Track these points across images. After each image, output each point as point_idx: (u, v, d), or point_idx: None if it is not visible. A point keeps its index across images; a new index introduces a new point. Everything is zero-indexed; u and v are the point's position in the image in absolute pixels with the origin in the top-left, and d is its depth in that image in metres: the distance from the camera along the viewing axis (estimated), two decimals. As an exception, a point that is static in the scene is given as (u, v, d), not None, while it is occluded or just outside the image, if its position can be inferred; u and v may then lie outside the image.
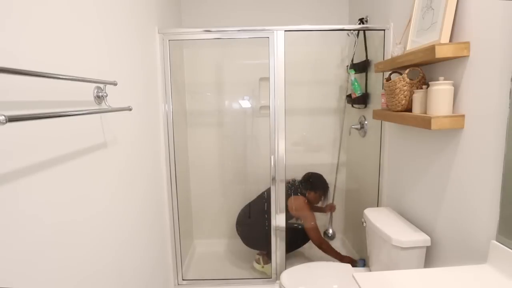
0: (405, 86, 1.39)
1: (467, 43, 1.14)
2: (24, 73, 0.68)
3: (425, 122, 1.20)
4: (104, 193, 1.13)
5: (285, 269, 1.91)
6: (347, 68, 2.33)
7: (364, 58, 2.16)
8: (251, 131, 2.63)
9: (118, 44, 1.28)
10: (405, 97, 1.40)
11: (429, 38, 1.28)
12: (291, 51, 1.94)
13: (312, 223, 2.19)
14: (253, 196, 2.43)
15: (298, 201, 2.25)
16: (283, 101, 1.90)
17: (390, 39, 1.77)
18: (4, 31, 0.70)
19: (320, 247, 2.17)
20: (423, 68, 1.41)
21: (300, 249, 2.64)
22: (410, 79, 1.38)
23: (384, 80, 1.57)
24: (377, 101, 1.99)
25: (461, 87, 1.19)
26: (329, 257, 2.35)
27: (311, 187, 2.32)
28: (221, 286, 2.10)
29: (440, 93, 1.19)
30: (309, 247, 2.71)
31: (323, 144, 2.69)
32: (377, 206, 2.00)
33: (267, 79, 1.90)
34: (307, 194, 2.29)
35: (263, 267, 2.33)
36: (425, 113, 1.29)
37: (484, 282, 0.95)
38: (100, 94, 1.08)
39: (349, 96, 2.33)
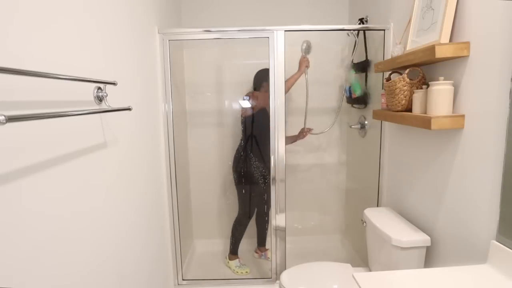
0: (405, 86, 1.39)
1: (467, 43, 1.14)
2: (25, 73, 0.67)
3: (425, 122, 1.20)
4: (104, 192, 1.13)
5: (285, 269, 1.91)
6: (347, 68, 2.33)
7: (364, 58, 2.16)
8: (251, 131, 2.63)
9: (118, 44, 1.28)
10: (405, 97, 1.40)
11: (429, 38, 1.28)
12: (291, 51, 1.94)
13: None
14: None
15: (253, 94, 2.30)
16: (283, 101, 1.90)
17: (390, 39, 1.77)
18: (7, 32, 0.70)
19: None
20: (423, 68, 1.41)
21: (300, 248, 2.65)
22: (410, 79, 1.38)
23: (384, 80, 1.57)
24: (377, 101, 1.99)
25: (461, 87, 1.19)
26: (328, 255, 2.36)
27: (260, 84, 2.31)
28: (221, 286, 2.10)
29: (440, 93, 1.19)
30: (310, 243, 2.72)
31: (323, 144, 2.69)
32: (377, 206, 2.00)
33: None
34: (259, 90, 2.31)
35: (228, 262, 2.41)
36: (425, 113, 1.29)
37: (484, 282, 0.95)
38: (100, 94, 1.08)
39: (349, 96, 2.34)
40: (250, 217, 2.39)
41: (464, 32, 1.16)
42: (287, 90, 2.19)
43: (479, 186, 1.11)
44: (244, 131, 2.33)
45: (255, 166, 2.30)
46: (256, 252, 2.58)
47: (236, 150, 2.37)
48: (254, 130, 2.31)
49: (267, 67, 1.94)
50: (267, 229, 2.52)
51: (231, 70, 2.56)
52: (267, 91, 2.01)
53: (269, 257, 2.52)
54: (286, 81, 2.15)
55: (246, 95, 2.33)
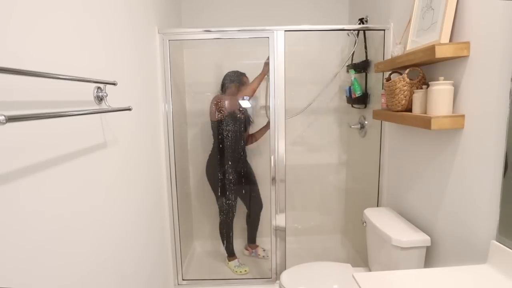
0: (405, 86, 1.39)
1: (467, 43, 1.14)
2: (25, 73, 0.68)
3: (425, 122, 1.20)
4: (104, 192, 1.13)
5: (285, 269, 1.91)
6: (347, 68, 2.33)
7: (364, 58, 2.16)
8: (251, 131, 2.63)
9: (119, 44, 1.28)
10: (405, 97, 1.40)
11: (429, 38, 1.28)
12: (291, 51, 1.94)
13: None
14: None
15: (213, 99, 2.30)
16: (283, 101, 1.90)
17: (390, 39, 1.77)
18: (7, 32, 0.70)
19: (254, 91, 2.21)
20: (423, 68, 1.41)
21: (300, 248, 2.65)
22: (410, 79, 1.38)
23: (384, 80, 1.57)
24: (377, 101, 1.99)
25: (461, 87, 1.19)
26: (328, 255, 2.35)
27: (226, 86, 2.33)
28: (221, 286, 2.10)
29: (440, 93, 1.19)
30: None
31: (323, 144, 2.69)
32: (377, 206, 2.00)
33: (267, 79, 1.90)
34: (225, 93, 2.32)
35: (228, 264, 2.42)
36: (425, 113, 1.29)
37: (484, 282, 0.95)
38: (100, 94, 1.08)
39: (349, 96, 2.34)
40: (230, 219, 2.41)
41: (464, 32, 1.16)
42: (252, 95, 2.23)
43: (479, 186, 1.11)
44: (215, 136, 2.34)
45: (227, 172, 2.33)
46: (247, 249, 2.58)
47: (209, 156, 2.39)
48: (225, 135, 2.31)
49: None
50: (256, 229, 2.55)
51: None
52: (234, 94, 2.05)
53: (259, 254, 2.53)
54: (250, 84, 2.21)
55: (214, 99, 2.30)
